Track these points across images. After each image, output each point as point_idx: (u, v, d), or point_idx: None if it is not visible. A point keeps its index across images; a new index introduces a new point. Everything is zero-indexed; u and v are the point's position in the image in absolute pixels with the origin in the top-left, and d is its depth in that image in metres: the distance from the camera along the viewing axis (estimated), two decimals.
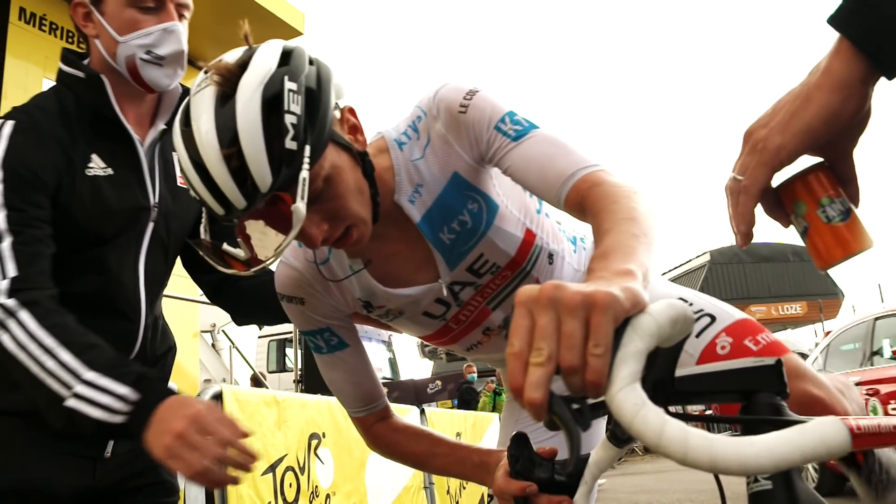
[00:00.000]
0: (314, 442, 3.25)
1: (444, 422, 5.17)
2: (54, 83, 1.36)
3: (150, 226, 1.36)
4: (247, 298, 1.56)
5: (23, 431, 1.21)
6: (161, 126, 1.40)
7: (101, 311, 1.29)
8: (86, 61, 1.35)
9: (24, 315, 1.11)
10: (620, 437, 0.71)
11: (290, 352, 12.06)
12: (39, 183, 1.20)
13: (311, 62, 0.96)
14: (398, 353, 12.11)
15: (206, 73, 0.94)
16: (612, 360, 0.50)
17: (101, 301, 1.30)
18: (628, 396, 0.49)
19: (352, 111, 1.04)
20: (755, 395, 0.61)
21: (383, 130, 1.15)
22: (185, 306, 4.48)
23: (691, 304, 1.19)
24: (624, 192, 0.90)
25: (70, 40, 4.20)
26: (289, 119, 0.89)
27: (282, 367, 12.92)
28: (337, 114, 0.99)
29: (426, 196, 1.11)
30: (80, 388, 1.09)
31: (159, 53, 1.29)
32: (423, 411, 4.89)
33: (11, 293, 1.12)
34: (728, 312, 1.20)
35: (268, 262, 0.98)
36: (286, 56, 0.94)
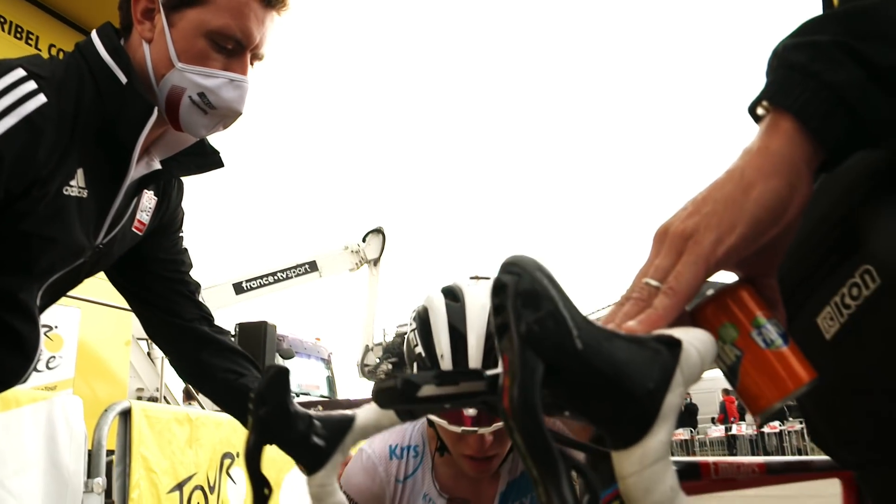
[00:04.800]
0: (227, 461, 3.25)
1: None
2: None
3: (75, 263, 1.14)
4: (189, 360, 1.35)
5: None
6: (156, 164, 1.17)
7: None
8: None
9: None
10: (413, 413, 0.59)
11: None
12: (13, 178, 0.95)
13: None
14: (336, 372, 12.02)
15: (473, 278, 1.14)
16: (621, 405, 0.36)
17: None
18: (663, 477, 0.35)
19: None
20: None
21: None
22: (117, 314, 4.44)
23: None
24: None
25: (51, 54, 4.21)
26: None
27: None
28: None
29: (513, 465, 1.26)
30: None
31: (212, 102, 1.09)
32: None
33: None
34: None
35: (480, 431, 1.10)
36: None
